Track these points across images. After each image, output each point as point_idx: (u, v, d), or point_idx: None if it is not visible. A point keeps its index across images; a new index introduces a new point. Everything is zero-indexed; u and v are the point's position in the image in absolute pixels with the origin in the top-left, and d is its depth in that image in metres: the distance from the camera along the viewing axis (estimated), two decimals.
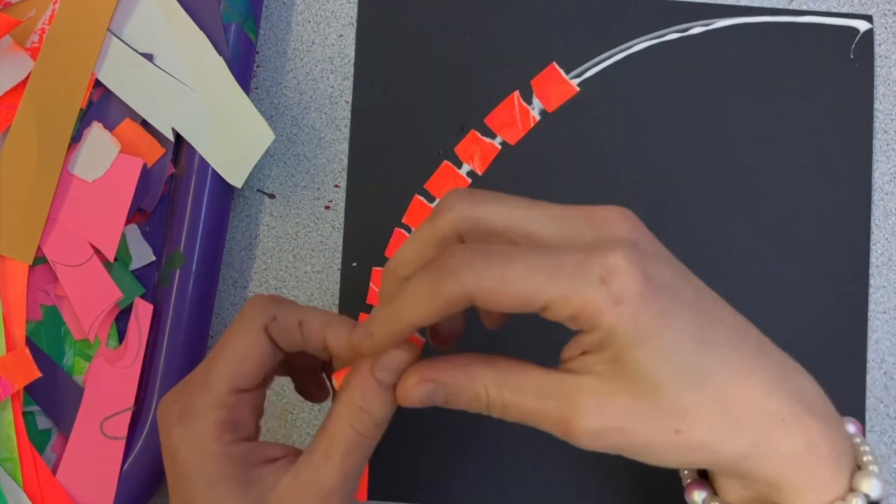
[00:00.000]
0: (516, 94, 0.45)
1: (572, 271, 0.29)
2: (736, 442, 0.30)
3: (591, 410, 0.30)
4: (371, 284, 0.44)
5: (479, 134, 0.45)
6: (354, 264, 0.44)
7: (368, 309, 0.44)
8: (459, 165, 0.45)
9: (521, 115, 0.45)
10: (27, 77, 0.41)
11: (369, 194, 0.45)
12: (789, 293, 0.44)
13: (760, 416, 0.30)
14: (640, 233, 0.32)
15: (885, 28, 0.45)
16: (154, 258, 0.43)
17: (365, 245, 0.44)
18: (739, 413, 0.30)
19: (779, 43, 0.45)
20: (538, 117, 0.45)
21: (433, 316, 0.30)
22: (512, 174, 0.45)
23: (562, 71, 0.45)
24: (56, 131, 0.41)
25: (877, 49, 0.45)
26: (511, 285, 0.29)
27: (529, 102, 0.45)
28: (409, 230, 0.44)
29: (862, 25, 0.45)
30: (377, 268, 0.44)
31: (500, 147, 0.45)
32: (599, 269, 0.29)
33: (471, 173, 0.45)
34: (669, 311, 0.29)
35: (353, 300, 0.44)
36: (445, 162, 0.45)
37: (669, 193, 0.44)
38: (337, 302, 0.44)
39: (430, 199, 0.45)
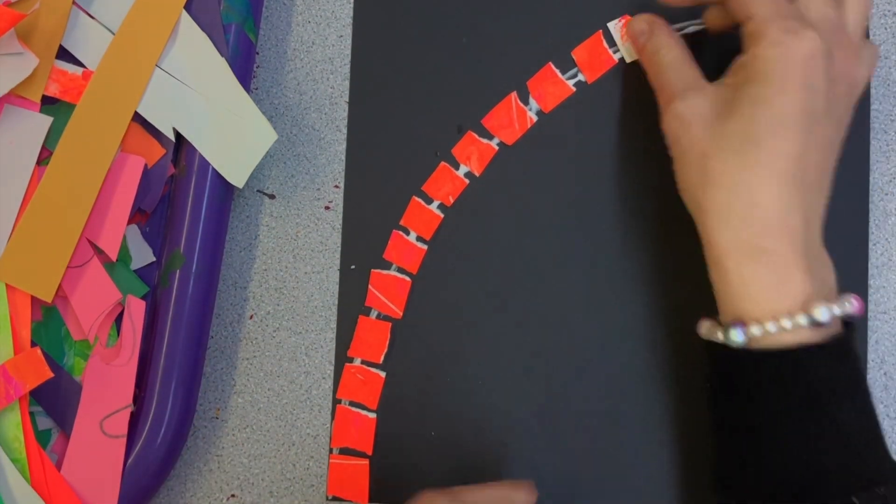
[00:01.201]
0: (513, 94, 0.45)
1: (787, 17, 0.36)
2: (734, 215, 0.35)
3: (686, 100, 0.38)
4: (370, 287, 0.44)
5: (476, 135, 0.45)
6: (353, 266, 0.44)
7: (368, 311, 0.44)
8: (457, 167, 0.45)
9: (517, 115, 0.45)
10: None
11: (367, 196, 0.45)
12: None
13: (774, 218, 0.35)
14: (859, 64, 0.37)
15: (885, 28, 0.45)
16: (154, 258, 0.43)
17: (364, 247, 0.44)
18: (755, 200, 0.35)
19: None
20: (535, 118, 0.45)
21: None
22: (509, 175, 0.45)
23: (558, 71, 0.45)
24: (89, 176, 0.41)
25: None
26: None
27: (526, 103, 0.45)
28: (407, 232, 0.44)
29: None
30: (376, 270, 0.44)
31: (497, 148, 0.45)
32: (797, 27, 0.35)
33: (468, 174, 0.45)
34: (792, 89, 0.35)
35: (353, 302, 0.44)
36: (443, 163, 0.45)
37: (666, 194, 0.44)
38: (336, 304, 0.44)
39: (428, 200, 0.45)
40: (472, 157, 0.45)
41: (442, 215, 0.45)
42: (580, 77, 0.45)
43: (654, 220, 0.44)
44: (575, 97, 0.45)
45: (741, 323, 0.35)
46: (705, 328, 0.37)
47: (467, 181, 0.45)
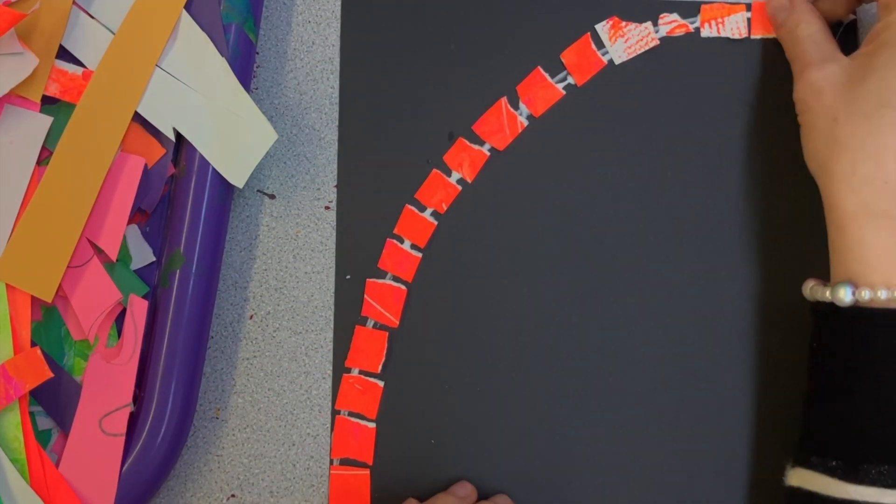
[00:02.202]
0: (504, 100, 0.45)
1: None
2: (859, 177, 0.36)
3: (822, 69, 0.39)
4: (366, 296, 0.44)
5: (467, 141, 0.45)
6: (348, 276, 0.44)
7: (364, 321, 0.44)
8: (449, 173, 0.45)
9: (508, 121, 0.45)
10: (23, 71, 0.41)
11: (360, 206, 0.45)
12: (781, 292, 0.43)
13: None
14: None
15: None
16: (154, 258, 0.43)
17: (358, 257, 0.44)
18: (881, 162, 0.36)
19: (763, 38, 0.45)
20: (525, 122, 0.45)
21: None
22: (502, 180, 0.45)
23: (547, 75, 0.45)
24: (89, 176, 0.41)
25: None
26: None
27: (516, 108, 0.45)
28: (401, 240, 0.44)
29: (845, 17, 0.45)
30: (371, 279, 0.44)
31: (488, 154, 0.45)
32: None
33: (461, 181, 0.45)
34: None
35: (349, 313, 0.44)
36: (435, 170, 0.45)
37: (658, 195, 0.44)
38: (332, 314, 0.44)
39: (422, 208, 0.45)
40: (463, 164, 0.45)
41: (435, 223, 0.45)
42: (570, 80, 0.45)
43: (648, 221, 0.44)
44: (565, 100, 0.45)
45: (852, 284, 0.36)
46: (809, 288, 0.38)
47: (460, 188, 0.45)
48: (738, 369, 0.43)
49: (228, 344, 0.44)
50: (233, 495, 0.43)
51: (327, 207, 0.45)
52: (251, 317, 0.44)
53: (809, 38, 0.41)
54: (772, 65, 0.45)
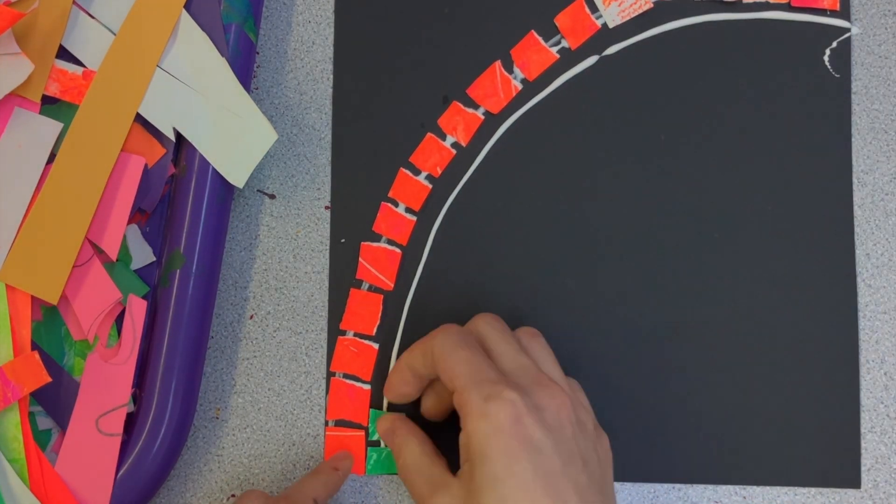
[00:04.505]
0: (497, 63, 0.45)
1: (484, 381, 0.36)
2: None
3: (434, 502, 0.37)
4: (361, 259, 0.44)
5: (461, 105, 0.45)
6: (343, 240, 0.45)
7: (359, 284, 0.44)
8: (443, 137, 0.45)
9: (502, 84, 0.45)
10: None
11: (355, 169, 0.45)
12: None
13: None
14: (569, 399, 0.37)
15: (885, 28, 0.45)
16: (154, 258, 0.43)
17: (353, 220, 0.45)
18: None
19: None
20: (520, 86, 0.45)
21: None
22: (496, 144, 0.45)
23: (541, 39, 0.45)
24: (92, 177, 0.41)
25: (877, 50, 0.45)
26: (445, 364, 0.37)
27: (511, 72, 0.45)
28: (396, 204, 0.45)
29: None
30: (366, 242, 0.44)
31: (483, 117, 0.45)
32: (496, 391, 0.35)
33: (455, 145, 0.45)
34: (517, 458, 0.34)
35: (343, 276, 0.44)
36: (429, 134, 0.45)
37: (650, 157, 0.44)
38: (327, 278, 0.44)
39: (416, 171, 0.45)
40: (458, 128, 0.45)
41: (430, 186, 0.45)
42: (564, 44, 0.45)
43: (640, 186, 0.44)
44: (559, 64, 0.45)
45: None
46: None
47: (454, 151, 0.45)
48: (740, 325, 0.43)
49: (228, 344, 0.44)
50: (233, 495, 0.43)
51: (327, 207, 0.45)
52: (251, 317, 0.44)
53: (414, 467, 0.39)
54: (765, 29, 0.45)
